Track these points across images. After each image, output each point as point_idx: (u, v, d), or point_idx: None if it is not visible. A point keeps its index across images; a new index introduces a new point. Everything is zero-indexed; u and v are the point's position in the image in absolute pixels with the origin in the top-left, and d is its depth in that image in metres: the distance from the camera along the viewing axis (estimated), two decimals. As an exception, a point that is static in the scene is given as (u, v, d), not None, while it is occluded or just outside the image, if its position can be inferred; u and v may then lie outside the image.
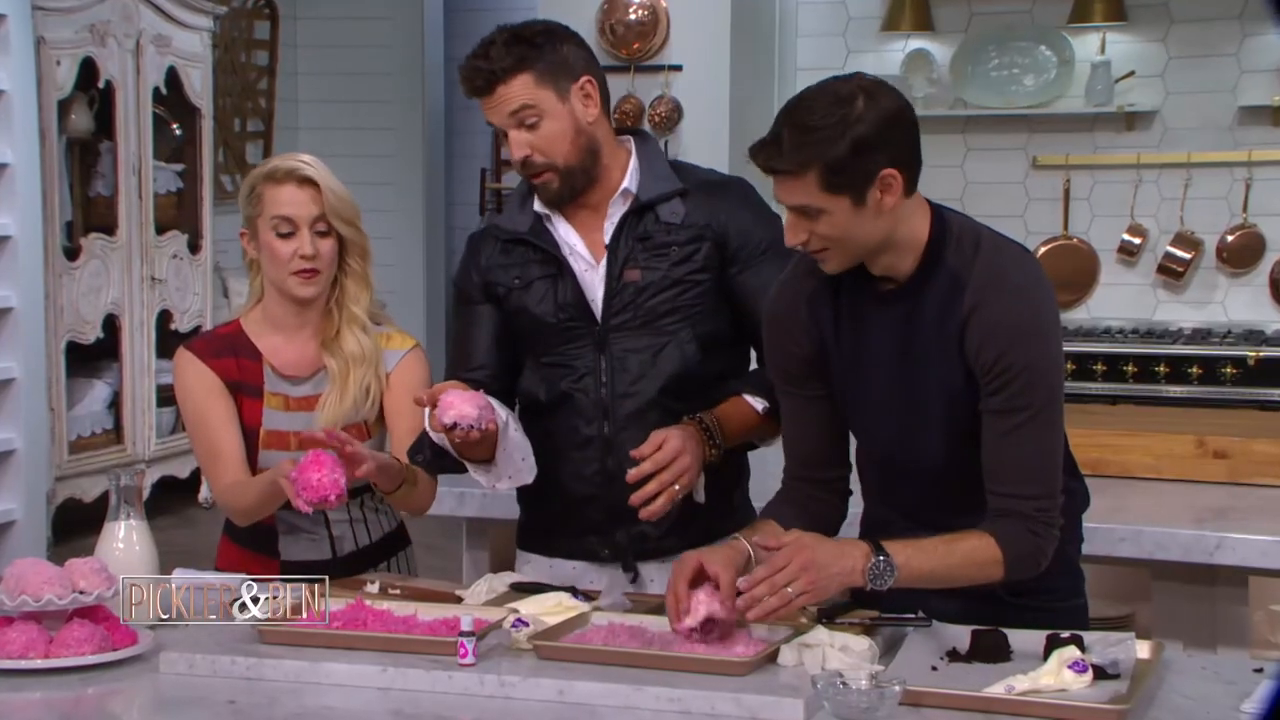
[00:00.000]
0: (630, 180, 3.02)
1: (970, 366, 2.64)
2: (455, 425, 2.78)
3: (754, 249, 3.00)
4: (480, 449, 2.90)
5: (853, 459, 2.89)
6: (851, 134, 2.51)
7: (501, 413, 2.88)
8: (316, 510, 2.88)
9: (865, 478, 2.87)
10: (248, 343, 3.18)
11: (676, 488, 2.83)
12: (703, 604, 2.57)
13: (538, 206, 3.04)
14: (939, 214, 2.69)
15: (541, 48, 2.94)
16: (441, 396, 2.80)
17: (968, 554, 2.61)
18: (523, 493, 3.14)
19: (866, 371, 2.73)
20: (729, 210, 3.02)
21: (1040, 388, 2.63)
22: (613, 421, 3.01)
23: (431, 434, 2.94)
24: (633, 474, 2.83)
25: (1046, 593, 2.77)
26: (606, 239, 3.01)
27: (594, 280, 3.02)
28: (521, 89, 2.93)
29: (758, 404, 2.99)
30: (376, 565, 3.22)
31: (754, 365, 3.11)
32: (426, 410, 2.88)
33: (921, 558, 2.60)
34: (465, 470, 2.97)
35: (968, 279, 2.63)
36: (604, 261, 3.01)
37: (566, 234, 3.04)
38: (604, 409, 3.01)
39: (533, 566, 3.15)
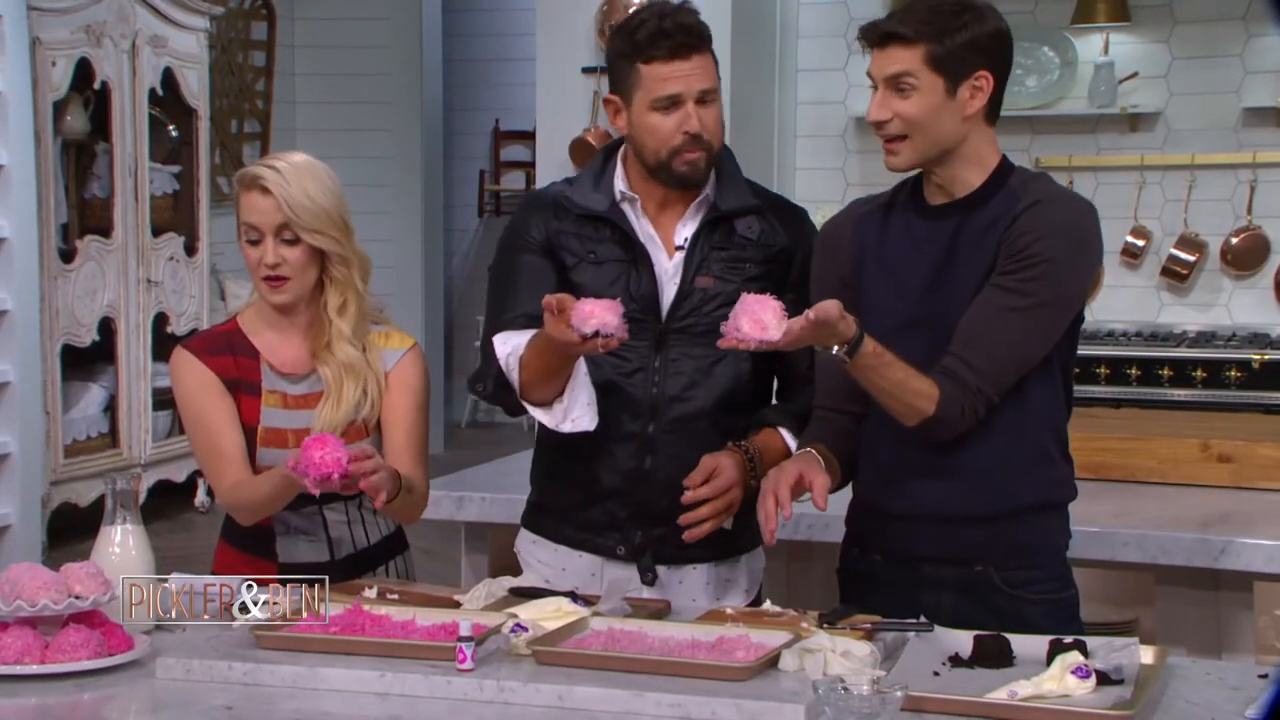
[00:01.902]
0: (710, 187, 3.02)
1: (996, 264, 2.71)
2: (597, 334, 2.69)
3: (806, 279, 3.02)
4: (546, 389, 2.89)
5: None
6: (971, 29, 2.75)
7: None
8: (322, 491, 2.83)
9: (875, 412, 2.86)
10: (244, 340, 3.15)
11: (723, 518, 2.90)
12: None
13: (619, 185, 3.02)
14: (1007, 157, 2.83)
15: None
16: (579, 305, 2.69)
17: (914, 393, 2.69)
18: (543, 471, 3.14)
19: (901, 286, 2.79)
20: (800, 237, 3.06)
21: (1050, 284, 2.70)
22: (658, 422, 3.00)
23: (501, 361, 2.91)
24: (688, 497, 2.88)
25: (1041, 583, 2.81)
26: (678, 240, 3.02)
27: (665, 278, 3.01)
28: (710, 64, 2.96)
29: (791, 440, 3.02)
30: (375, 568, 3.20)
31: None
32: (496, 344, 2.88)
33: (884, 371, 2.67)
34: (523, 412, 2.96)
35: (1023, 194, 2.75)
36: (677, 261, 3.00)
37: (644, 225, 3.03)
38: (652, 408, 3.00)
39: (537, 547, 3.13)
